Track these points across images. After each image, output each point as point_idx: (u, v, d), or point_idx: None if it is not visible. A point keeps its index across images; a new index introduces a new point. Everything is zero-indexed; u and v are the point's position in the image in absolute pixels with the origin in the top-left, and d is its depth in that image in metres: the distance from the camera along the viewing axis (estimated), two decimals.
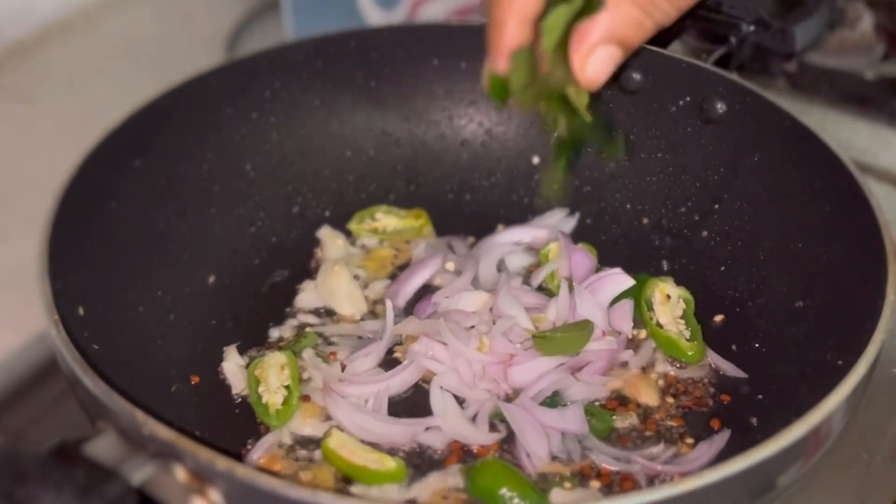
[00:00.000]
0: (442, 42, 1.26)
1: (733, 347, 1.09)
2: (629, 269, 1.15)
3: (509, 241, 1.20)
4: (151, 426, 0.77)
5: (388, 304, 1.11)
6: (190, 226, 1.15)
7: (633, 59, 1.20)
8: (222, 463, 0.75)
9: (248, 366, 1.06)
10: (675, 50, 1.21)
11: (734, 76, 1.16)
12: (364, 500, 0.73)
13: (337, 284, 1.13)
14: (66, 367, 0.86)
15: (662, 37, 1.22)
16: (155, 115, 1.13)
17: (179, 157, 1.15)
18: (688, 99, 1.19)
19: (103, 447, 0.76)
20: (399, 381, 1.04)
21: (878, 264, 0.94)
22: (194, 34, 1.79)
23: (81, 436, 0.77)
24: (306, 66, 1.23)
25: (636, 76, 1.21)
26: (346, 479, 0.97)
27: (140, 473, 0.75)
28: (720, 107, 1.16)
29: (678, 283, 1.14)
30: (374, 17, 1.59)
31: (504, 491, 0.94)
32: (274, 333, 1.11)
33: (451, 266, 1.17)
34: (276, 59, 1.21)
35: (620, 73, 1.21)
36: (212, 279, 1.14)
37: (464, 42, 1.26)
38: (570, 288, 1.10)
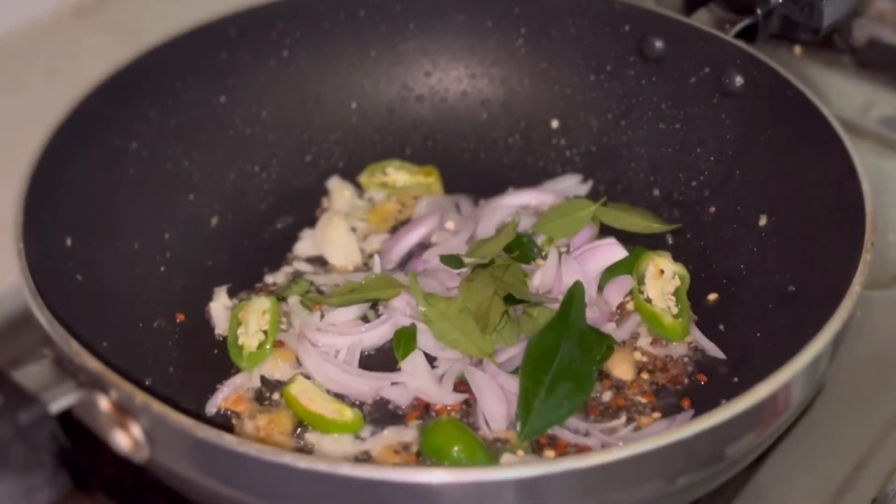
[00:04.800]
0: None
1: (721, 328, 1.06)
2: (632, 240, 1.13)
3: (515, 204, 1.19)
4: (83, 356, 0.80)
5: (376, 258, 1.12)
6: (198, 167, 1.17)
7: (655, 25, 1.18)
8: (140, 397, 0.77)
9: (234, 308, 1.09)
10: (700, 18, 1.17)
11: (751, 49, 1.12)
12: (260, 446, 0.74)
13: (332, 235, 1.14)
14: (24, 295, 0.89)
15: (690, 3, 1.19)
16: (170, 57, 1.15)
17: (193, 100, 1.17)
18: (707, 70, 1.15)
19: (33, 373, 0.79)
20: (374, 335, 1.05)
21: (855, 254, 0.91)
22: None
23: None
24: (328, 16, 1.23)
25: (658, 44, 1.18)
26: (304, 426, 0.98)
27: (62, 402, 0.77)
28: (738, 80, 1.13)
29: (679, 258, 1.11)
30: None
31: (456, 450, 0.94)
32: (268, 279, 1.13)
33: (451, 225, 1.17)
34: (297, 7, 1.22)
35: (643, 39, 1.19)
36: (215, 220, 1.17)
37: (490, 0, 1.25)
38: (560, 256, 1.09)
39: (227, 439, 0.75)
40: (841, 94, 1.48)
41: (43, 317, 0.84)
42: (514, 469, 0.75)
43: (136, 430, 0.79)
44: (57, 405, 0.77)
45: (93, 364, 0.79)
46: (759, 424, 0.85)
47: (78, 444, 0.79)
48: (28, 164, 0.98)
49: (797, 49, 1.53)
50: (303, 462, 0.74)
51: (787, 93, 1.08)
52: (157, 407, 0.77)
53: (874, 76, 1.52)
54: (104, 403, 0.79)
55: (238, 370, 1.03)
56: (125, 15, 1.73)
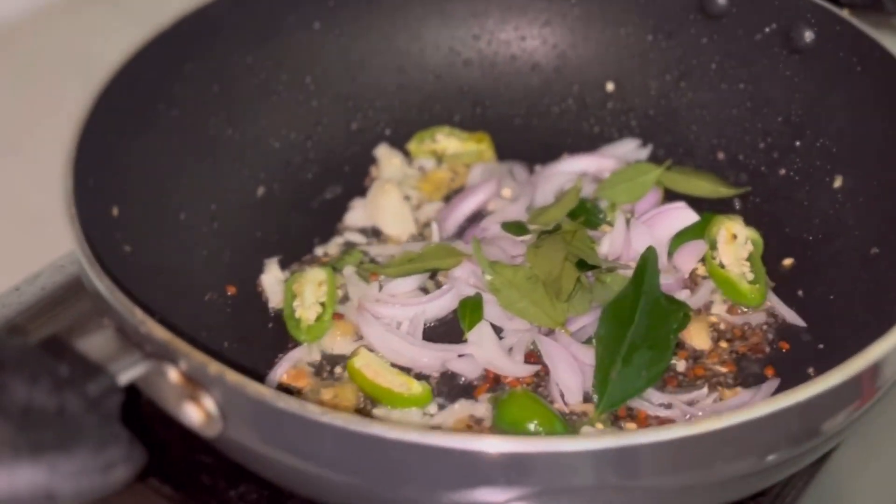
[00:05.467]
0: None
1: (800, 293, 1.01)
2: (698, 205, 1.08)
3: (572, 171, 1.14)
4: (149, 325, 0.75)
5: (434, 226, 1.07)
6: (242, 135, 1.12)
7: None
8: (214, 367, 0.72)
9: (287, 279, 1.03)
10: None
11: (822, 2, 1.07)
12: (347, 415, 0.69)
13: (386, 204, 1.09)
14: (78, 264, 0.84)
15: None
16: (210, 19, 1.09)
17: (235, 65, 1.12)
18: (774, 26, 1.10)
19: (97, 343, 0.73)
20: (437, 305, 1.00)
21: None
22: None
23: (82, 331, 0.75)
24: None
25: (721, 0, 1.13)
26: (370, 400, 0.94)
27: (130, 373, 0.72)
28: (808, 35, 1.08)
29: (749, 222, 1.06)
30: None
31: (533, 424, 0.89)
32: (318, 251, 1.08)
33: (507, 193, 1.12)
34: None
35: None
36: (261, 191, 1.11)
37: None
38: (627, 221, 1.04)
39: (311, 409, 0.70)
40: None
41: (103, 285, 0.79)
42: (610, 438, 0.70)
43: (209, 402, 0.74)
44: (125, 376, 0.71)
45: (160, 333, 0.74)
46: (857, 398, 0.80)
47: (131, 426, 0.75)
48: (72, 131, 0.93)
49: (845, 12, 1.48)
50: (393, 432, 0.69)
51: (863, 47, 1.03)
52: (232, 377, 0.72)
53: None
54: (174, 375, 0.74)
55: (295, 344, 0.98)
56: None
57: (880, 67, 1.01)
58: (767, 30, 1.11)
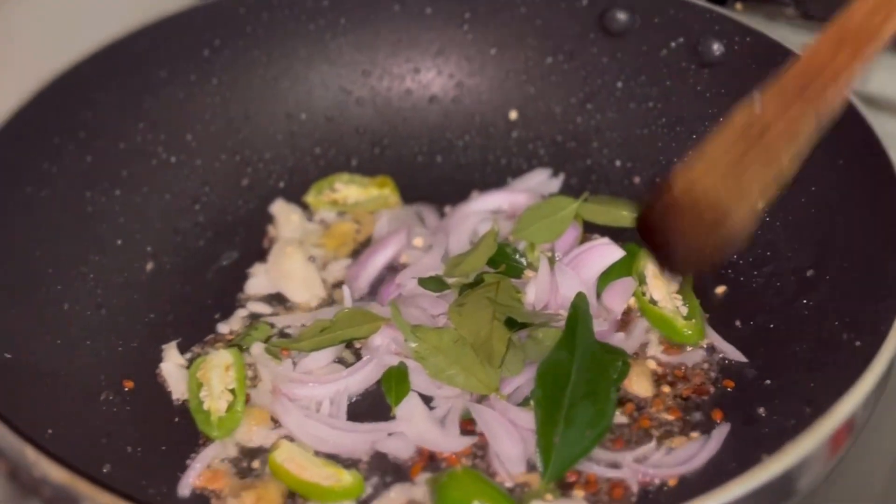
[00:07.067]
0: None
1: (737, 323, 0.96)
2: (620, 237, 1.02)
3: (485, 209, 1.07)
4: (44, 466, 0.66)
5: (346, 290, 0.99)
6: (123, 206, 1.03)
7: None
8: None
9: (189, 366, 0.94)
10: None
11: (730, 12, 1.02)
12: None
13: (290, 268, 1.01)
14: None
15: None
16: (76, 85, 1.00)
17: (107, 131, 1.03)
18: (681, 40, 1.06)
19: None
20: (358, 380, 0.92)
21: (888, 228, 0.82)
22: None
23: None
24: (249, 19, 1.09)
25: (622, 16, 1.08)
26: (295, 497, 0.85)
27: None
28: (717, 48, 1.03)
29: None
30: None
31: None
32: (222, 327, 0.99)
33: (419, 241, 1.04)
34: (214, 13, 1.08)
35: (604, 12, 1.08)
36: (150, 266, 1.02)
37: None
38: (551, 264, 0.97)
39: None
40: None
41: None
42: None
43: None
44: None
45: (58, 475, 0.65)
46: (829, 453, 0.76)
47: None
48: None
49: (738, 5, 1.45)
50: None
51: (774, 56, 0.98)
52: None
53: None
54: None
55: (207, 440, 0.89)
56: None
57: None
58: (673, 44, 1.06)
